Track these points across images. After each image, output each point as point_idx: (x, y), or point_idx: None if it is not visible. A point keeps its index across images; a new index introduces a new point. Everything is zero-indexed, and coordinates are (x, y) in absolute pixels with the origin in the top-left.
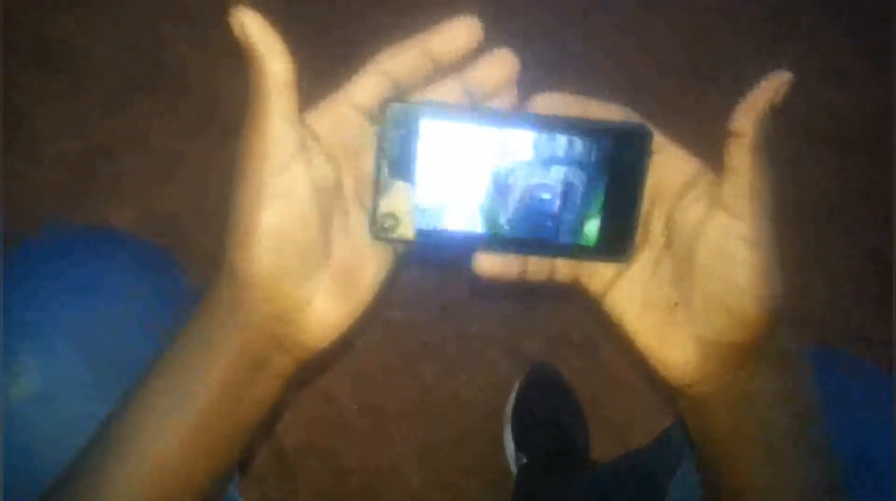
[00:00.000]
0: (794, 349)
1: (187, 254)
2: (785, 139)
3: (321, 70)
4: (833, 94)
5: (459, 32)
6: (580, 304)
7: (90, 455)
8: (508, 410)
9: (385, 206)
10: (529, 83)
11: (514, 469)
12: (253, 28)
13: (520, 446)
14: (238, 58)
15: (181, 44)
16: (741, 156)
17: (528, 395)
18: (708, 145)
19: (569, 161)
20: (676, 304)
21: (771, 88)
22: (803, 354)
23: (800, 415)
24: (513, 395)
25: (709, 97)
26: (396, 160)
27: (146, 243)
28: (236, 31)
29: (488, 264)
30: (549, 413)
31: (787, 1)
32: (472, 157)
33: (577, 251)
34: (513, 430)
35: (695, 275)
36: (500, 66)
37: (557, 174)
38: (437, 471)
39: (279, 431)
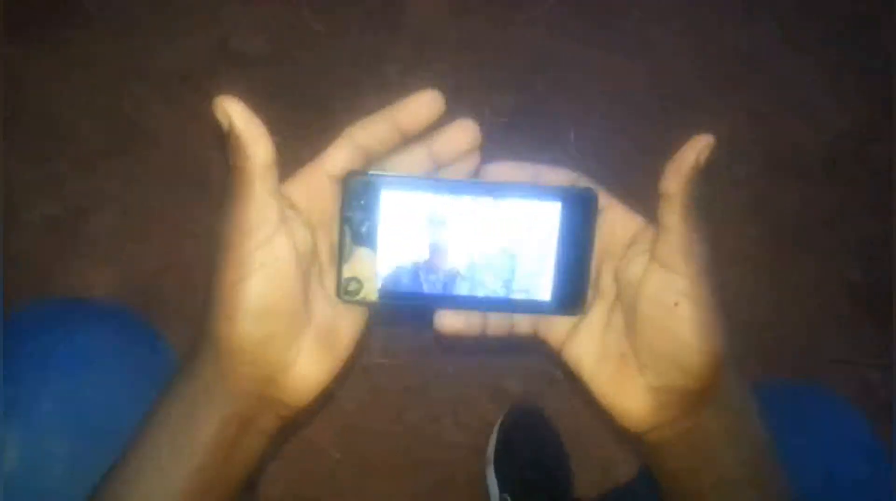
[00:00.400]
0: (742, 391)
1: (167, 312)
2: (754, 168)
3: (298, 142)
4: (794, 126)
5: (423, 105)
6: None
7: None
8: (490, 450)
9: (348, 271)
10: (499, 129)
11: None
12: (236, 115)
13: (503, 486)
14: (209, 119)
15: (155, 107)
16: (672, 215)
17: (509, 435)
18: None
19: (522, 224)
20: (623, 355)
21: (694, 150)
22: (751, 394)
23: (753, 453)
24: (494, 435)
25: (678, 136)
26: (358, 228)
27: (128, 314)
28: (219, 116)
29: (449, 322)
30: (531, 452)
31: (748, 42)
32: (429, 223)
33: (534, 307)
34: (496, 470)
35: (640, 327)
36: (463, 134)
37: (512, 236)
38: None
39: (264, 483)
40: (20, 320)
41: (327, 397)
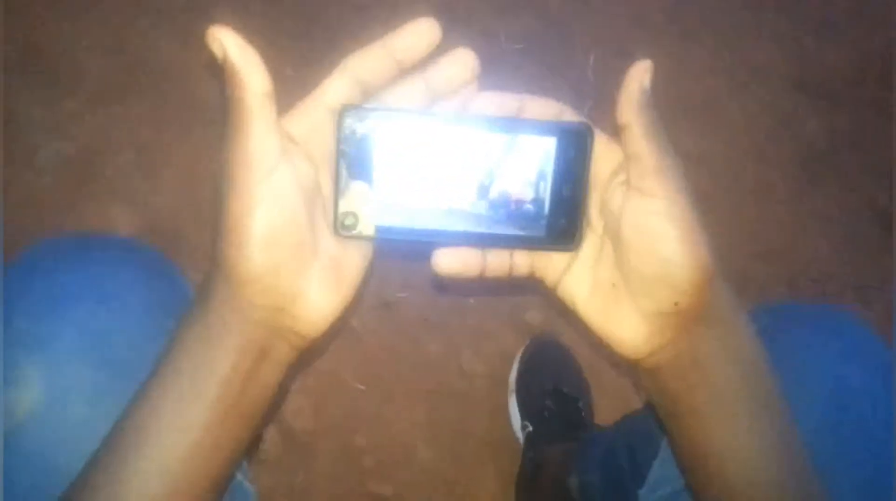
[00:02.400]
0: (736, 310)
1: (184, 248)
2: (779, 90)
3: (296, 73)
4: (823, 48)
5: (419, 34)
6: None
7: (104, 459)
8: (512, 380)
9: (345, 205)
10: (515, 54)
11: (520, 437)
12: (230, 45)
13: (525, 415)
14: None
15: (162, 42)
16: (635, 143)
17: (530, 365)
18: (692, 104)
19: (516, 158)
20: (615, 285)
21: (636, 77)
22: (745, 314)
23: (748, 373)
24: (515, 365)
25: (693, 58)
26: (354, 162)
27: (145, 247)
28: (214, 48)
29: (447, 261)
30: (551, 381)
31: None
32: (425, 157)
33: (530, 242)
34: (517, 400)
35: (626, 254)
36: (461, 64)
37: (508, 170)
38: (446, 445)
39: (289, 416)
40: (35, 256)
41: (344, 329)
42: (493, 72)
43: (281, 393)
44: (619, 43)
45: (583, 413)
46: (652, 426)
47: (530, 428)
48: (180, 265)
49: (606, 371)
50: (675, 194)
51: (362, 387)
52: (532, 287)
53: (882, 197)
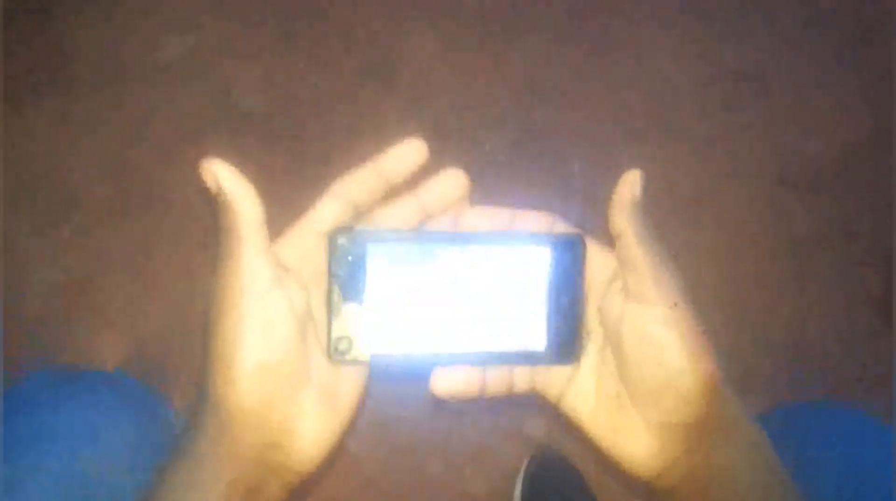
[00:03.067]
0: (744, 416)
1: (174, 376)
2: (763, 185)
3: (286, 200)
4: (803, 142)
5: (407, 154)
6: None
7: None
8: (517, 498)
9: (338, 329)
10: (502, 165)
11: None
12: (223, 176)
13: None
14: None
15: (156, 168)
16: (629, 251)
17: (535, 482)
18: (682, 200)
19: (511, 272)
20: (619, 395)
21: (627, 186)
22: (754, 420)
23: (768, 481)
24: (519, 484)
25: (677, 156)
26: (347, 285)
27: (131, 382)
28: (207, 180)
29: (446, 382)
30: (558, 497)
31: (747, 62)
32: (419, 277)
33: (529, 358)
34: None
35: (629, 364)
36: (452, 184)
37: (503, 286)
38: None
39: None
40: (15, 391)
41: (344, 454)
42: (481, 182)
43: None
44: (604, 148)
45: None
46: None
47: None
48: (171, 393)
49: (615, 486)
50: (675, 302)
51: None
52: (532, 399)
53: (876, 285)
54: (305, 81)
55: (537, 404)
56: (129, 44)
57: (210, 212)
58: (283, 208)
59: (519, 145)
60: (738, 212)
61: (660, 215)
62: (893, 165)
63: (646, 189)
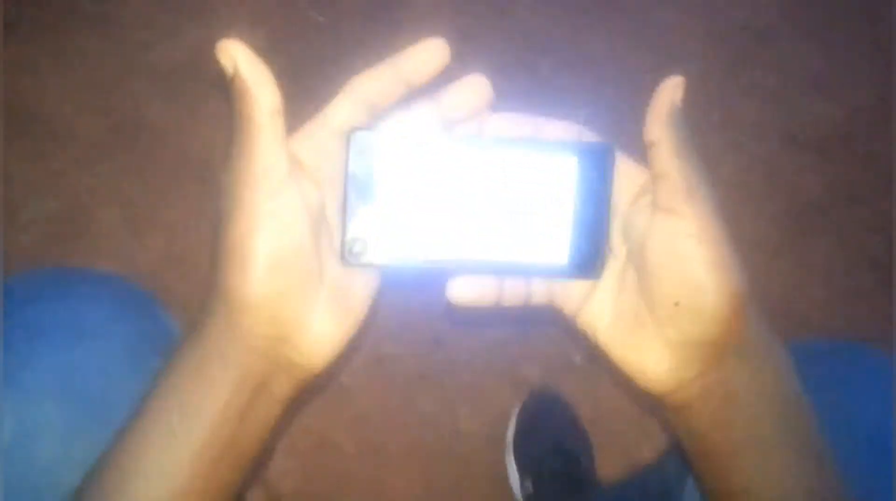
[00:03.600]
0: (771, 342)
1: (169, 305)
2: (772, 146)
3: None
4: (812, 104)
5: (428, 53)
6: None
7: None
8: (510, 438)
9: (353, 231)
10: (506, 110)
11: (520, 497)
12: (241, 58)
13: (524, 473)
14: (210, 112)
15: (153, 101)
16: (664, 161)
17: (528, 421)
18: None
19: (534, 182)
20: (638, 314)
21: (667, 92)
22: (781, 347)
23: (785, 410)
24: (512, 422)
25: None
26: (363, 186)
27: (128, 283)
28: (224, 61)
29: (463, 290)
30: (551, 438)
31: (757, 21)
32: (439, 181)
33: (550, 270)
34: (516, 458)
35: (652, 280)
36: (474, 90)
37: (526, 194)
38: None
39: (274, 478)
40: (14, 286)
41: (337, 388)
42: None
43: (275, 434)
44: (610, 102)
45: (586, 471)
46: (668, 485)
47: (531, 488)
48: (167, 311)
49: (608, 426)
50: (707, 215)
51: (353, 449)
52: (528, 340)
53: (878, 250)
54: (306, 18)
55: (533, 347)
56: None
57: (207, 147)
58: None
59: (525, 96)
60: (743, 171)
61: None
62: (894, 131)
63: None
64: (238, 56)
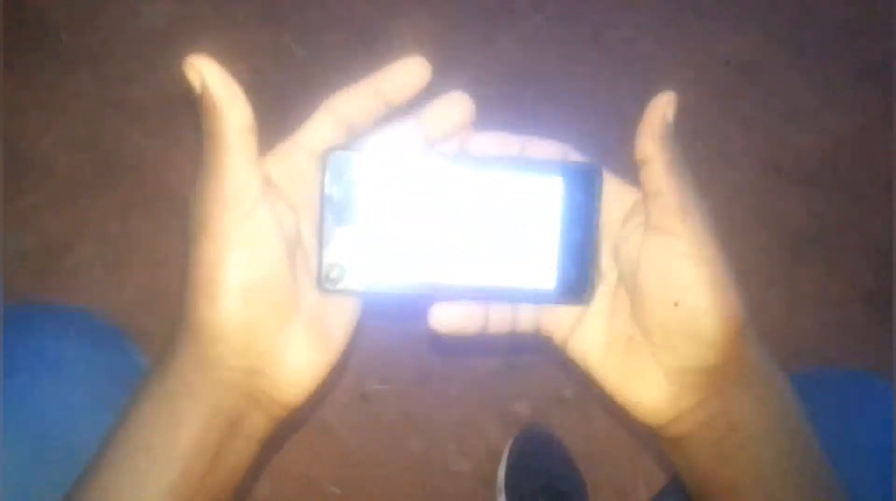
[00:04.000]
0: (773, 369)
1: (147, 344)
2: (757, 176)
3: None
4: (795, 134)
5: (408, 71)
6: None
7: None
8: (500, 478)
9: (330, 256)
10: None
11: None
12: (209, 74)
13: None
14: (192, 147)
15: (135, 136)
16: (655, 178)
17: (520, 460)
18: None
19: (520, 203)
20: (631, 339)
21: (659, 109)
22: (783, 374)
23: (791, 441)
24: (503, 462)
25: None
26: (340, 208)
27: (94, 318)
28: (191, 77)
29: (446, 317)
30: (543, 476)
31: (740, 52)
32: (420, 203)
33: (537, 296)
34: (508, 497)
35: (646, 303)
36: (456, 107)
37: (511, 217)
38: None
39: None
40: None
41: (323, 427)
42: None
43: (250, 476)
44: (595, 133)
45: None
46: None
47: None
48: (138, 348)
49: (601, 464)
50: (702, 233)
51: (338, 491)
52: (517, 374)
53: (867, 277)
54: (290, 52)
55: (523, 383)
56: (108, 12)
57: (186, 181)
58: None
59: (508, 127)
60: (730, 202)
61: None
62: (889, 161)
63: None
64: (206, 71)
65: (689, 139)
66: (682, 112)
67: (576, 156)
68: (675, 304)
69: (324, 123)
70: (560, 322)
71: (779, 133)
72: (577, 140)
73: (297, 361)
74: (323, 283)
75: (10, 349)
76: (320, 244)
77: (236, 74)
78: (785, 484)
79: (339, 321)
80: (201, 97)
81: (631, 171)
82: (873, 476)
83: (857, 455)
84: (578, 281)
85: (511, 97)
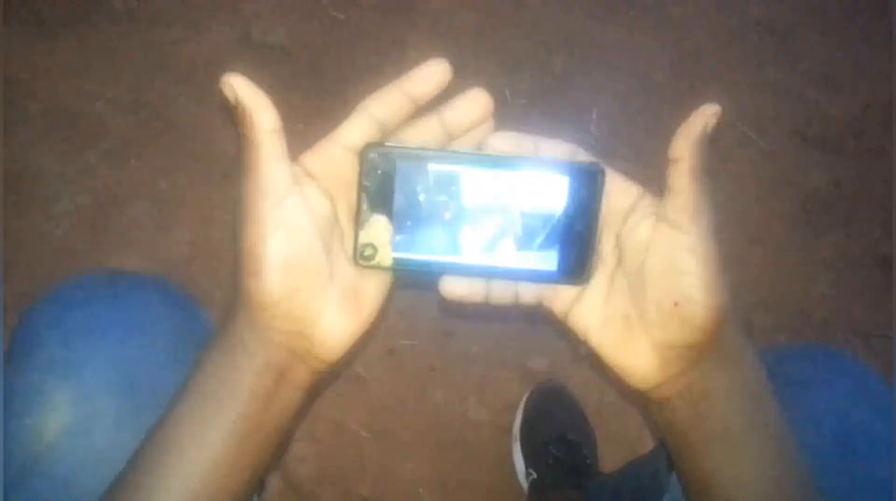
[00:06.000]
0: (744, 347)
1: (197, 296)
2: (783, 142)
3: (321, 130)
4: (824, 101)
5: (432, 73)
6: None
7: (129, 476)
8: (516, 428)
9: (364, 237)
10: (520, 110)
11: (524, 485)
12: (241, 88)
13: (529, 462)
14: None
15: (180, 99)
16: (681, 178)
17: (534, 412)
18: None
19: (531, 196)
20: (627, 316)
21: (702, 118)
22: (753, 351)
23: (754, 406)
24: (519, 413)
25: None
26: (375, 197)
27: (171, 284)
28: (227, 92)
29: (453, 288)
30: (556, 428)
31: (770, 17)
32: (442, 193)
33: (541, 277)
34: (521, 447)
35: (647, 287)
36: (475, 104)
37: (521, 208)
38: (450, 495)
39: (292, 462)
40: (70, 289)
41: (349, 376)
42: (499, 125)
43: (299, 417)
44: (621, 99)
45: (588, 460)
46: (658, 469)
47: (535, 476)
48: (203, 308)
49: (611, 418)
50: (707, 235)
51: (366, 434)
52: (537, 333)
53: (884, 244)
54: (327, 15)
55: (541, 338)
56: None
57: (232, 140)
58: (303, 144)
59: (537, 92)
60: (751, 168)
61: (664, 171)
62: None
63: (668, 132)
64: (238, 86)
65: (715, 103)
66: (711, 76)
67: (584, 155)
68: (676, 304)
69: (358, 122)
70: (560, 297)
71: (805, 98)
72: (604, 107)
73: (332, 324)
74: (357, 259)
75: (102, 312)
76: (356, 226)
77: (275, 38)
78: (749, 438)
79: (372, 292)
80: (235, 107)
81: (659, 139)
82: (828, 439)
83: (816, 420)
84: (578, 265)
85: (541, 62)
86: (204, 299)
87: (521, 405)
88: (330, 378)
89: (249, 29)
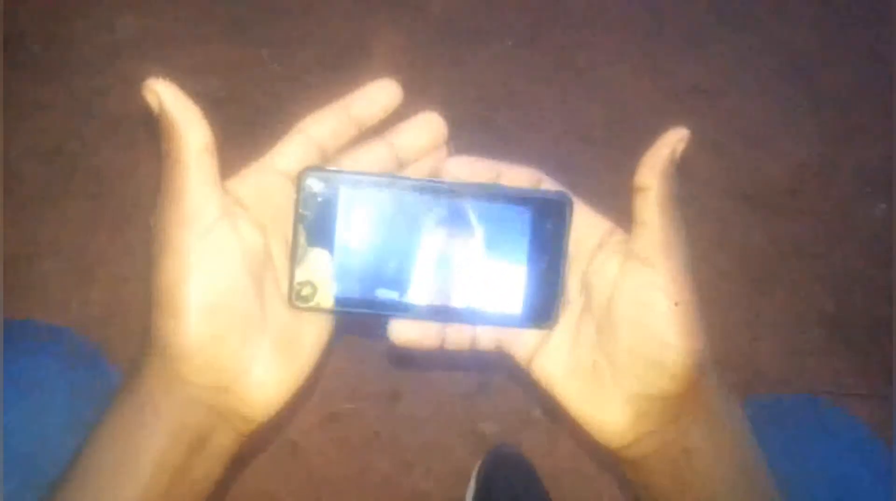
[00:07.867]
0: (728, 402)
1: (112, 356)
2: (723, 200)
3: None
4: (758, 160)
5: (379, 93)
6: None
7: None
8: (468, 499)
9: (302, 274)
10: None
11: None
12: (166, 96)
13: None
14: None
15: (103, 147)
16: (648, 209)
17: (488, 481)
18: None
19: (490, 227)
20: (596, 364)
21: (669, 143)
22: (739, 407)
23: (742, 470)
24: (472, 483)
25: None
26: (314, 228)
27: (73, 336)
28: (149, 99)
29: (404, 331)
30: (510, 497)
31: (703, 78)
32: (392, 224)
33: (502, 320)
34: None
35: (616, 330)
36: (427, 127)
37: (480, 241)
38: None
39: None
40: None
41: (290, 447)
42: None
43: (217, 494)
44: (561, 157)
45: None
46: None
47: None
48: (111, 363)
49: (569, 483)
50: (679, 271)
51: None
52: (488, 393)
53: (828, 303)
54: (263, 68)
55: (491, 402)
56: (81, 24)
57: (154, 197)
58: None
59: (479, 149)
60: (694, 227)
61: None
62: (848, 187)
63: (610, 190)
64: (163, 93)
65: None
66: (650, 135)
67: (549, 183)
68: (648, 349)
69: (295, 145)
70: (522, 342)
71: (741, 157)
72: (546, 164)
73: (263, 377)
74: (294, 300)
75: None
76: (292, 262)
77: (209, 89)
78: None
79: (311, 339)
80: (159, 119)
81: (599, 197)
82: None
83: (808, 477)
84: (544, 306)
85: (482, 118)
86: (119, 360)
87: (474, 475)
88: (258, 445)
89: (183, 80)
